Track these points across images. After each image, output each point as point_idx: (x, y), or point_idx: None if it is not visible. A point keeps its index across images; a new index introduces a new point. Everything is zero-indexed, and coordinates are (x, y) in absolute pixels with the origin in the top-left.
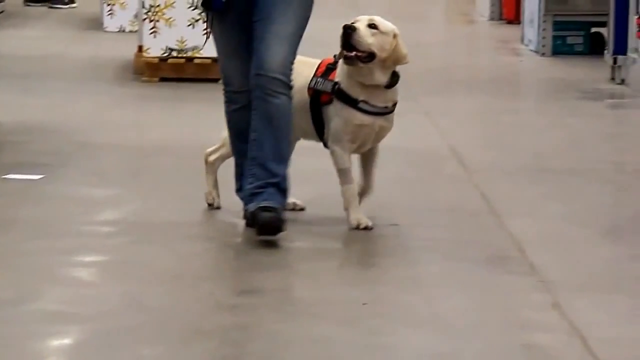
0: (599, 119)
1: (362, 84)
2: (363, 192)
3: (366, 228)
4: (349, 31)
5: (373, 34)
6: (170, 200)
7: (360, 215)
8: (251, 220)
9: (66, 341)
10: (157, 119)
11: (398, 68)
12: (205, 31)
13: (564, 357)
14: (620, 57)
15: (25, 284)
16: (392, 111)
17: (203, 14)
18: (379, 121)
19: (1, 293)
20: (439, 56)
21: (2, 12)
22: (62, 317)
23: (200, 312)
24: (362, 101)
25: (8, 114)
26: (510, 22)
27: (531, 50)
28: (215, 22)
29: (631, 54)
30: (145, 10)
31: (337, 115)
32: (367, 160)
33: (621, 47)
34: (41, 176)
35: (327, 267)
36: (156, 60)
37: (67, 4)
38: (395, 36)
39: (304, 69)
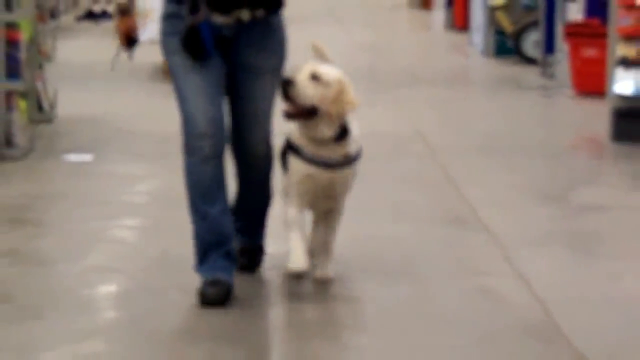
0: (533, 105)
1: (309, 137)
2: (315, 253)
3: (297, 275)
4: (286, 85)
5: (315, 86)
6: None
7: (295, 263)
8: (245, 259)
9: (112, 289)
10: None
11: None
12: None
13: (511, 297)
14: (549, 56)
15: (78, 244)
16: (344, 165)
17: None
18: (327, 173)
19: (57, 252)
20: (403, 57)
21: (57, 27)
22: (109, 271)
23: None
24: (308, 151)
25: (65, 108)
26: (460, 29)
27: (478, 52)
28: (185, 64)
29: (557, 54)
30: None
31: (289, 166)
32: (325, 222)
33: (550, 48)
34: (91, 156)
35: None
36: None
37: (110, 19)
38: (340, 84)
39: None
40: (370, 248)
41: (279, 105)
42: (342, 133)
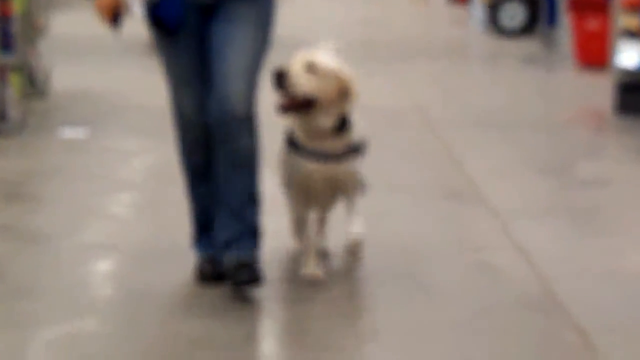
0: (535, 78)
1: (307, 130)
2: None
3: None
4: (279, 76)
5: (310, 78)
6: None
7: (310, 267)
8: (229, 274)
9: (108, 266)
10: None
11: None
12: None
13: (511, 271)
14: (550, 30)
15: (72, 219)
16: (344, 158)
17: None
18: (328, 169)
19: (52, 228)
20: (403, 30)
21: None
22: (104, 247)
23: None
24: (308, 146)
25: (60, 82)
26: (461, 2)
27: (478, 25)
28: (165, 45)
29: (559, 28)
30: None
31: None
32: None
33: (551, 22)
34: (86, 131)
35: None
36: None
37: None
38: (340, 75)
39: None
40: (368, 222)
41: (274, 98)
42: (343, 124)
